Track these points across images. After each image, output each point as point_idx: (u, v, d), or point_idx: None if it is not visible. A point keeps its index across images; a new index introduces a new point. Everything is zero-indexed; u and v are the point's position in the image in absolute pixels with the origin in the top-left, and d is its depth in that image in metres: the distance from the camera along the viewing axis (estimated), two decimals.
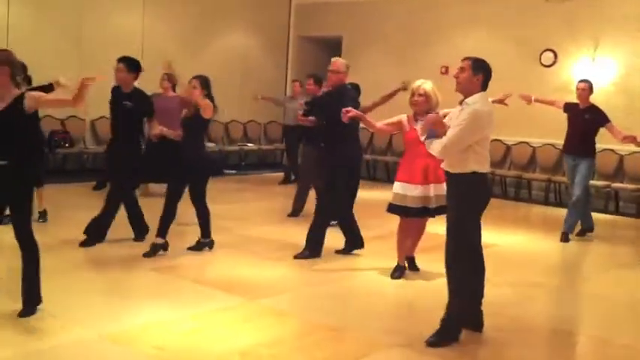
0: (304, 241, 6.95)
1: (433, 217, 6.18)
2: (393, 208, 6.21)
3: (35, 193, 7.50)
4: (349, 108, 6.11)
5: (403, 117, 6.18)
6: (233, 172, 13.66)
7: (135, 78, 6.95)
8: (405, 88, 8.22)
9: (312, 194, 8.66)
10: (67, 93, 5.06)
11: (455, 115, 4.76)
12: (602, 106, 8.60)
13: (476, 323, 4.93)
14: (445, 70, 12.29)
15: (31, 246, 4.78)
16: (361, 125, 7.26)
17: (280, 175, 12.75)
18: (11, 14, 11.17)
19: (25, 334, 4.52)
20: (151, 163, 9.29)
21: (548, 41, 11.98)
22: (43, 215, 7.87)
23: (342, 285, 6.25)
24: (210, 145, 13.78)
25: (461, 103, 4.72)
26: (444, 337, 4.67)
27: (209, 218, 6.94)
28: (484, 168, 4.72)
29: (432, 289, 6.09)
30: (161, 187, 7.95)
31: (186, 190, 6.86)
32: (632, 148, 8.92)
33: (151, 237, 6.86)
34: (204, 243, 6.96)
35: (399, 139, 6.60)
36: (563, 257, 8.19)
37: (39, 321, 4.70)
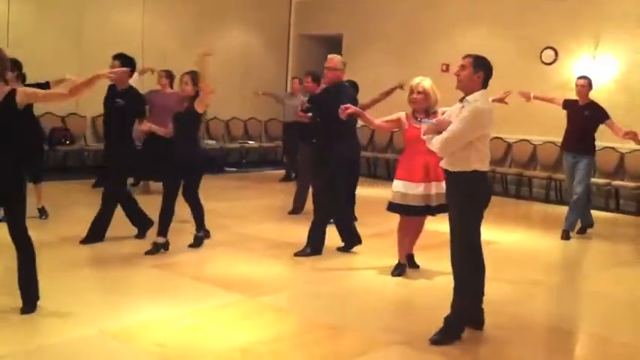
0: (305, 239, 6.95)
1: (434, 215, 6.17)
2: (393, 207, 6.20)
3: (33, 190, 7.58)
4: (348, 105, 6.08)
5: (402, 114, 6.16)
6: (234, 169, 13.68)
7: (130, 75, 6.94)
8: (401, 87, 8.24)
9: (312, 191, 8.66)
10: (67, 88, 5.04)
11: (454, 112, 4.75)
12: (603, 104, 8.60)
13: (477, 321, 4.94)
14: (446, 68, 12.29)
15: (26, 244, 4.77)
16: (361, 123, 7.27)
17: (281, 172, 12.75)
18: (11, 12, 11.17)
19: (25, 331, 4.54)
20: (147, 161, 9.31)
21: (549, 39, 11.97)
22: (42, 212, 7.87)
23: (342, 283, 6.25)
24: (211, 142, 13.82)
25: (461, 100, 4.71)
26: (447, 335, 4.67)
27: (203, 212, 6.94)
28: (485, 166, 4.72)
29: (432, 287, 6.09)
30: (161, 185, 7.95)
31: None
32: (633, 145, 8.92)
33: (152, 233, 6.87)
34: (201, 237, 6.96)
35: (400, 137, 6.59)
36: (564, 255, 8.19)
37: (40, 318, 4.71)
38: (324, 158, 6.80)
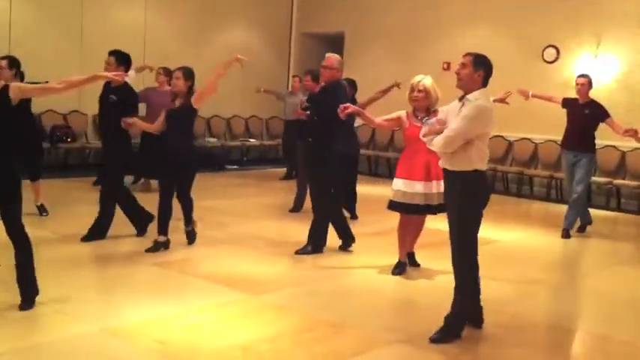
0: (306, 237, 6.95)
1: (435, 214, 6.16)
2: (394, 206, 6.20)
3: (31, 187, 7.59)
4: (347, 104, 6.08)
5: (402, 113, 6.16)
6: (235, 167, 13.69)
7: (125, 71, 6.94)
8: (398, 86, 8.23)
9: None
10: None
11: (452, 111, 4.72)
12: (603, 103, 8.60)
13: (477, 319, 4.95)
14: (447, 66, 12.29)
15: (23, 241, 4.77)
16: (360, 122, 7.26)
17: (282, 170, 12.74)
18: (13, 11, 11.18)
19: (25, 328, 4.54)
20: (146, 159, 9.32)
21: (551, 37, 11.96)
22: (42, 209, 7.87)
23: (343, 281, 6.26)
24: (212, 140, 13.83)
25: (460, 99, 4.69)
26: (447, 334, 4.67)
27: (192, 207, 6.90)
28: (484, 165, 4.71)
29: (432, 286, 6.10)
30: None
31: None
32: (634, 144, 8.90)
33: (153, 229, 6.88)
34: (191, 230, 6.95)
35: (401, 135, 6.58)
36: (564, 254, 8.19)
37: (39, 315, 4.71)
38: (323, 158, 6.78)
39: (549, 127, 10.97)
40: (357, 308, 5.45)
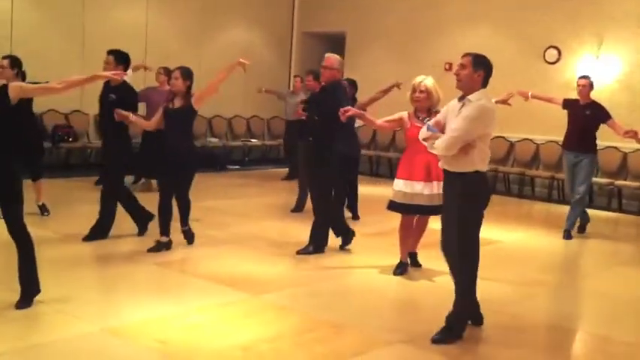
0: (307, 237, 6.95)
1: (437, 214, 6.14)
2: (394, 206, 6.19)
3: (33, 187, 7.60)
4: (348, 107, 6.07)
5: (404, 114, 6.15)
6: (236, 167, 13.69)
7: (123, 71, 6.94)
8: (398, 86, 8.21)
9: None
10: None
11: (452, 111, 4.69)
12: (605, 104, 8.59)
13: (477, 317, 4.94)
14: (449, 67, 12.27)
15: (25, 240, 4.77)
16: (361, 122, 7.26)
17: (284, 170, 12.73)
18: (15, 10, 11.19)
19: (25, 328, 4.55)
20: (147, 158, 9.31)
21: (552, 38, 11.96)
22: (43, 209, 7.88)
23: (344, 281, 6.26)
24: (213, 140, 13.83)
25: (460, 99, 4.65)
26: (449, 334, 4.66)
27: (190, 208, 6.88)
28: (485, 166, 4.68)
29: (434, 286, 6.09)
30: None
31: None
32: (636, 145, 8.91)
33: (151, 230, 6.88)
34: (189, 230, 6.94)
35: (402, 136, 6.58)
36: (566, 254, 8.19)
37: (40, 315, 4.71)
38: (325, 158, 6.78)
39: (551, 127, 10.97)
40: (358, 309, 5.45)
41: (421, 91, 6.00)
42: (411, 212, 6.17)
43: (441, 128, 4.70)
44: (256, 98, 13.73)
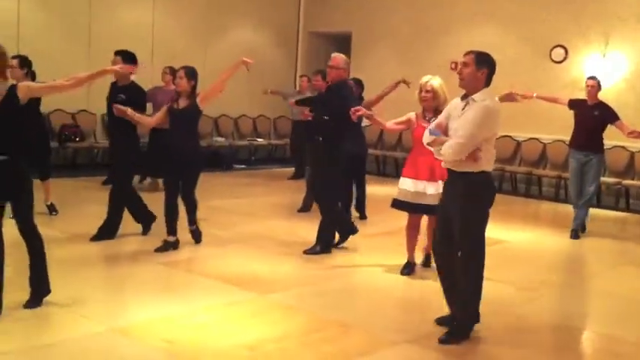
0: (314, 237, 6.95)
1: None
2: (397, 204, 6.20)
3: (42, 187, 7.62)
4: (358, 107, 6.08)
5: (412, 115, 6.14)
6: (243, 166, 13.69)
7: (131, 71, 6.95)
8: (407, 83, 8.20)
9: None
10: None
11: (454, 109, 4.64)
12: (612, 103, 8.59)
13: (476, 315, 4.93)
14: (455, 66, 12.24)
15: (36, 240, 4.80)
16: (369, 122, 7.26)
17: (290, 170, 12.72)
18: (21, 10, 11.22)
19: (34, 327, 4.56)
20: (153, 158, 9.33)
21: (559, 37, 11.93)
22: (51, 209, 7.90)
23: (351, 281, 6.26)
24: (220, 139, 13.85)
25: (464, 97, 4.58)
26: (456, 335, 4.66)
27: (196, 207, 6.89)
28: (491, 166, 4.64)
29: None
30: None
31: None
32: None
33: (156, 230, 6.89)
34: (196, 229, 6.95)
35: (409, 135, 6.57)
36: (573, 254, 8.17)
37: (48, 315, 4.73)
38: (333, 158, 6.77)
39: (558, 127, 10.93)
40: (365, 308, 5.46)
41: (427, 91, 5.99)
42: (418, 212, 6.16)
43: (443, 130, 4.64)
44: (262, 98, 13.73)
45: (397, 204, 6.20)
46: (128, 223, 7.12)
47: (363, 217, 8.75)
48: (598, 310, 6.03)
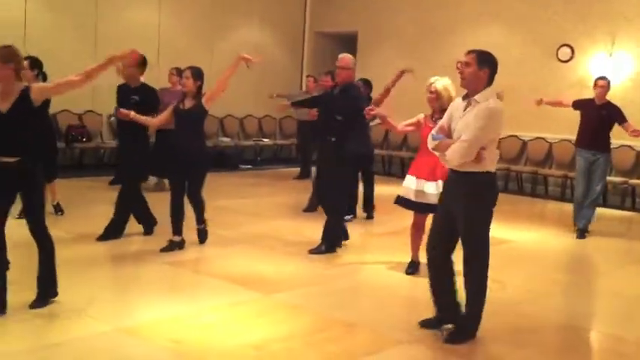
0: (319, 236, 6.96)
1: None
2: (399, 200, 6.21)
3: (48, 187, 7.64)
4: (372, 107, 6.12)
5: (421, 116, 6.14)
6: (248, 167, 13.71)
7: (141, 73, 6.96)
8: (409, 71, 8.16)
9: None
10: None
11: (455, 109, 4.62)
12: (618, 102, 8.58)
13: None
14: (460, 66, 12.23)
15: (46, 241, 4.83)
16: (375, 122, 7.26)
17: (295, 170, 12.73)
18: (28, 11, 11.26)
19: (41, 327, 4.59)
20: (160, 157, 9.34)
21: (565, 37, 11.90)
22: (58, 209, 7.92)
23: (357, 280, 6.27)
24: (225, 139, 13.87)
25: (465, 97, 4.55)
26: (461, 334, 4.66)
27: (204, 206, 6.90)
28: (495, 167, 4.62)
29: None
30: None
31: None
32: None
33: (161, 229, 6.90)
34: (203, 229, 6.96)
35: (414, 135, 6.57)
36: (579, 254, 8.16)
37: (55, 315, 4.75)
38: (342, 157, 6.77)
39: (563, 126, 10.92)
40: (371, 308, 5.47)
41: (431, 92, 5.99)
42: (420, 210, 6.16)
43: (445, 133, 4.61)
44: (268, 98, 13.75)
45: (399, 201, 6.21)
46: (134, 223, 7.15)
47: (369, 216, 8.76)
48: (604, 309, 6.02)
